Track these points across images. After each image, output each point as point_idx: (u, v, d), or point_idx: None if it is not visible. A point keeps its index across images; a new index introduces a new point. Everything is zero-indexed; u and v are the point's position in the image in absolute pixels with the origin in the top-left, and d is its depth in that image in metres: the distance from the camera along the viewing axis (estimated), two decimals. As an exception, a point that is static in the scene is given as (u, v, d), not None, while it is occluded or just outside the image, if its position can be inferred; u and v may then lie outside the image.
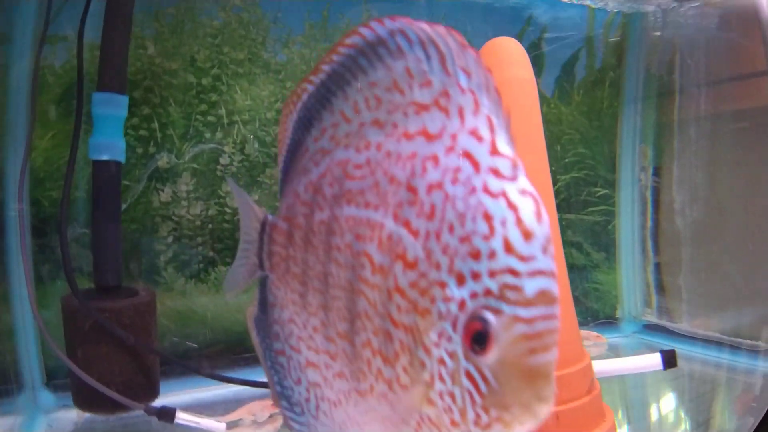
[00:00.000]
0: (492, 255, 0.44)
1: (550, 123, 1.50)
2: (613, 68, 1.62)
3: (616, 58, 1.62)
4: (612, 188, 1.63)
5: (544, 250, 0.44)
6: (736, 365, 1.26)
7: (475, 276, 0.44)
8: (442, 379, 0.47)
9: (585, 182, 1.60)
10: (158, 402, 1.07)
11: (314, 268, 0.61)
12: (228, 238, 1.33)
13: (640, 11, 1.55)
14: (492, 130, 0.47)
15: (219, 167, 1.32)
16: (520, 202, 0.44)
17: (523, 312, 0.43)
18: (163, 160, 1.28)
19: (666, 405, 1.19)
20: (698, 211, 1.40)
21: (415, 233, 0.49)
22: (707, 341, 1.34)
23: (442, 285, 0.46)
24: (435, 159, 0.49)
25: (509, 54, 0.93)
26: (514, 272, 0.43)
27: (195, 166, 1.30)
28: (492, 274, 0.44)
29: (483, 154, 0.46)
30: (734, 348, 1.27)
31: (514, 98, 0.93)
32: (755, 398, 1.14)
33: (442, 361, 0.47)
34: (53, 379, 1.17)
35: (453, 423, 0.47)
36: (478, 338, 0.44)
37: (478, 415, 0.45)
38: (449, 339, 0.46)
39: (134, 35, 1.24)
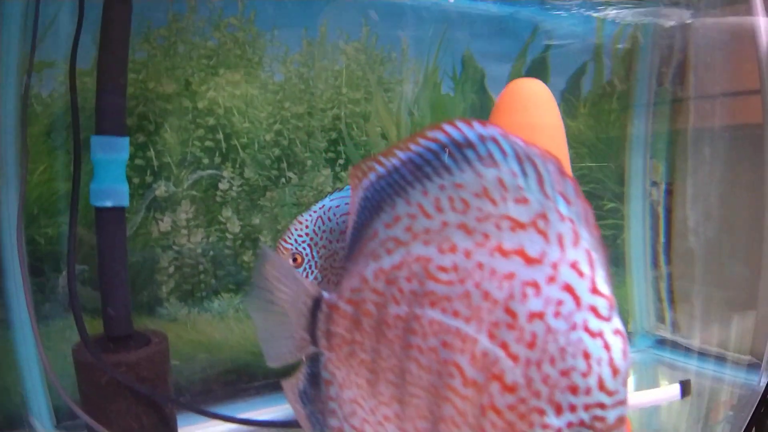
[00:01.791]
0: (588, 391, 0.47)
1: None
2: (622, 81, 1.60)
3: (625, 71, 1.59)
4: (621, 202, 1.62)
5: (624, 383, 0.47)
6: (751, 383, 1.27)
7: (572, 408, 0.47)
8: None
9: (592, 196, 1.59)
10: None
11: (388, 360, 0.60)
12: (230, 264, 1.30)
13: (652, 23, 1.53)
14: (592, 265, 0.48)
15: (218, 192, 1.28)
16: (614, 343, 0.47)
17: None
18: (161, 189, 1.24)
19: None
20: (712, 229, 1.39)
21: (514, 358, 0.50)
22: (720, 358, 1.34)
23: (541, 413, 0.48)
24: (536, 286, 0.49)
25: (536, 97, 0.90)
26: (602, 406, 0.47)
27: (194, 193, 1.26)
28: (587, 407, 0.47)
29: (584, 291, 0.48)
30: (752, 366, 1.27)
31: (541, 144, 0.92)
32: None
33: None
34: (62, 420, 1.15)
35: None
36: None
37: None
38: None
39: (125, 60, 1.18)
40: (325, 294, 0.70)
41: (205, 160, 1.27)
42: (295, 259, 1.03)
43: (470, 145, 0.53)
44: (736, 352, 1.30)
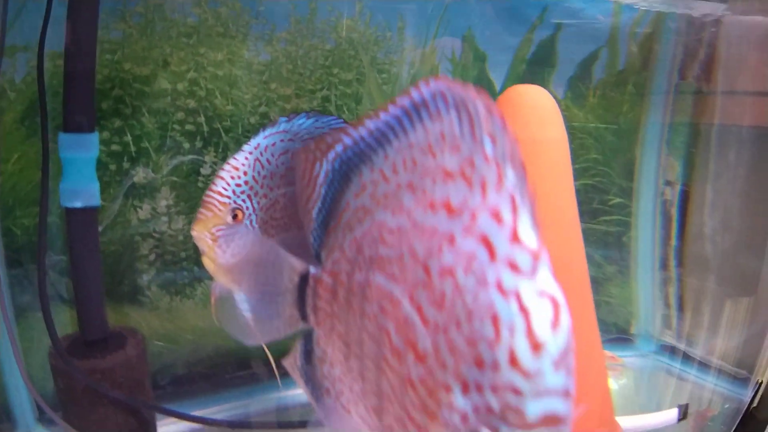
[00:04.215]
0: (495, 367, 0.38)
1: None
2: (637, 70, 1.47)
3: (643, 60, 1.46)
4: (629, 198, 1.51)
5: (557, 365, 0.37)
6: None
7: (479, 388, 0.39)
8: None
9: (597, 190, 1.49)
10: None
11: (353, 330, 0.58)
12: (213, 251, 1.26)
13: (679, 13, 1.40)
14: (515, 211, 0.40)
15: (200, 178, 1.22)
16: (535, 306, 0.37)
17: None
18: (140, 176, 1.18)
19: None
20: (731, 240, 1.30)
21: (425, 322, 0.44)
22: (720, 371, 1.28)
23: (448, 389, 0.41)
24: (452, 239, 0.43)
25: (540, 110, 0.82)
26: (516, 391, 0.37)
27: (174, 179, 1.21)
28: (494, 389, 0.38)
29: (501, 241, 0.40)
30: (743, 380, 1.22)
31: (543, 163, 0.84)
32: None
33: None
34: (44, 413, 1.14)
35: None
36: None
37: None
38: None
39: (100, 39, 1.09)
40: (312, 269, 0.67)
41: (186, 145, 1.20)
42: (235, 216, 0.88)
43: (425, 103, 0.49)
44: (736, 366, 1.25)
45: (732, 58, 1.32)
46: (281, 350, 0.75)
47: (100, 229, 1.14)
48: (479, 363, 0.38)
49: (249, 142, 0.91)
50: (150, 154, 1.18)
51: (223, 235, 0.90)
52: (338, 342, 0.62)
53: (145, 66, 1.15)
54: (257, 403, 1.25)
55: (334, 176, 0.63)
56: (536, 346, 0.36)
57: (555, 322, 0.37)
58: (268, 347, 1.03)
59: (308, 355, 0.71)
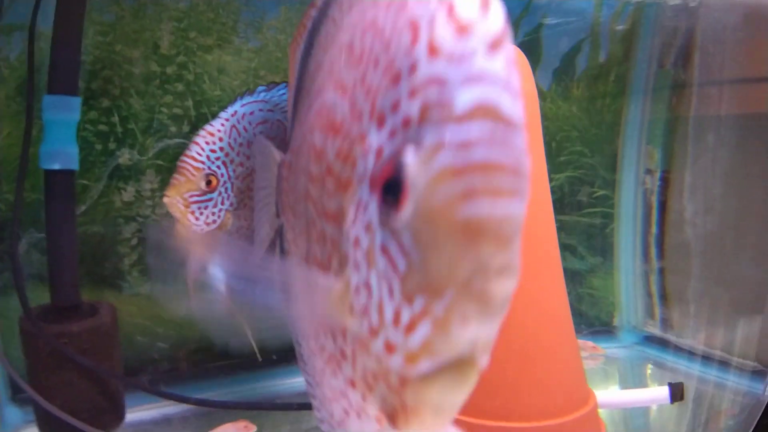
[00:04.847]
0: (413, 68, 0.31)
1: (545, 119, 1.41)
2: (619, 61, 1.49)
3: (624, 51, 1.48)
4: (611, 189, 1.52)
5: (491, 48, 0.30)
6: (755, 391, 1.16)
7: (395, 107, 0.32)
8: (357, 267, 0.35)
9: (581, 182, 1.50)
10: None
11: (296, 192, 0.54)
12: (197, 238, 1.24)
13: (658, 2, 1.41)
14: None
15: (186, 163, 1.22)
16: None
17: (450, 134, 0.29)
18: (125, 157, 1.18)
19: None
20: (712, 222, 1.29)
21: (343, 90, 0.39)
22: (718, 360, 1.24)
23: (362, 138, 0.35)
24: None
25: None
26: (439, 81, 0.30)
27: (160, 162, 1.21)
28: (412, 93, 0.31)
29: None
30: (757, 373, 1.17)
31: None
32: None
33: (357, 243, 0.35)
34: (18, 392, 1.10)
35: (371, 332, 0.34)
36: (391, 188, 0.31)
37: (397, 312, 0.32)
38: (365, 207, 0.34)
39: (92, 20, 1.13)
40: (283, 155, 0.65)
41: (173, 128, 1.21)
42: (209, 182, 0.87)
43: None
44: (739, 356, 1.19)
45: (708, 43, 1.32)
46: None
47: (83, 208, 1.15)
48: (396, 78, 0.32)
49: (226, 109, 0.91)
50: (136, 136, 1.19)
51: (197, 202, 0.89)
52: (290, 215, 0.59)
53: (135, 48, 1.17)
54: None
55: (303, 56, 0.61)
56: (461, 29, 0.30)
57: (485, 5, 0.31)
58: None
59: (282, 252, 0.68)
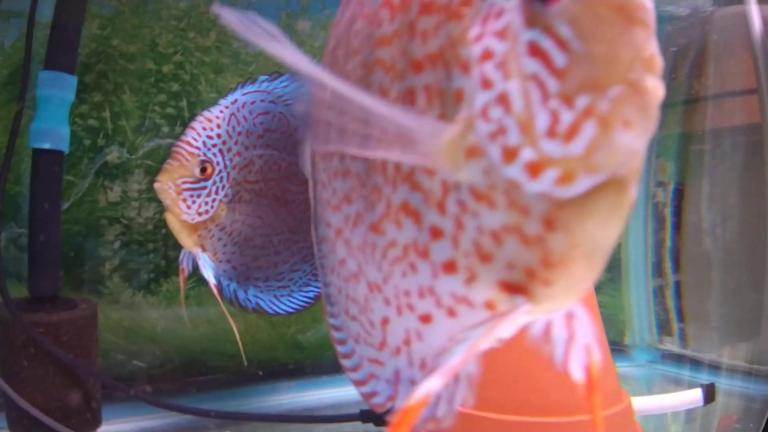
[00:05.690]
0: None
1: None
2: None
3: None
4: None
5: None
6: None
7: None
8: (485, 85, 0.32)
9: None
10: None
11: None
12: (183, 245, 1.18)
13: (667, 12, 1.44)
14: None
15: (177, 165, 1.18)
16: None
17: None
18: (113, 155, 1.13)
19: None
20: (731, 231, 1.26)
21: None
22: (746, 373, 1.18)
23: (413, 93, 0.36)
24: None
25: None
26: None
27: (149, 163, 1.16)
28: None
29: None
30: None
31: None
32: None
33: (485, 56, 0.32)
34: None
35: (507, 156, 0.31)
36: None
37: (554, 116, 0.30)
38: (496, 15, 0.32)
39: (92, 13, 1.10)
40: None
41: (165, 128, 1.17)
42: (204, 169, 0.83)
43: None
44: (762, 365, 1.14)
45: (722, 53, 1.33)
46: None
47: (66, 205, 1.09)
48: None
49: (226, 97, 0.88)
50: (127, 134, 1.14)
51: (189, 189, 0.85)
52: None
53: (132, 44, 1.14)
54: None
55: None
56: None
57: None
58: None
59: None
